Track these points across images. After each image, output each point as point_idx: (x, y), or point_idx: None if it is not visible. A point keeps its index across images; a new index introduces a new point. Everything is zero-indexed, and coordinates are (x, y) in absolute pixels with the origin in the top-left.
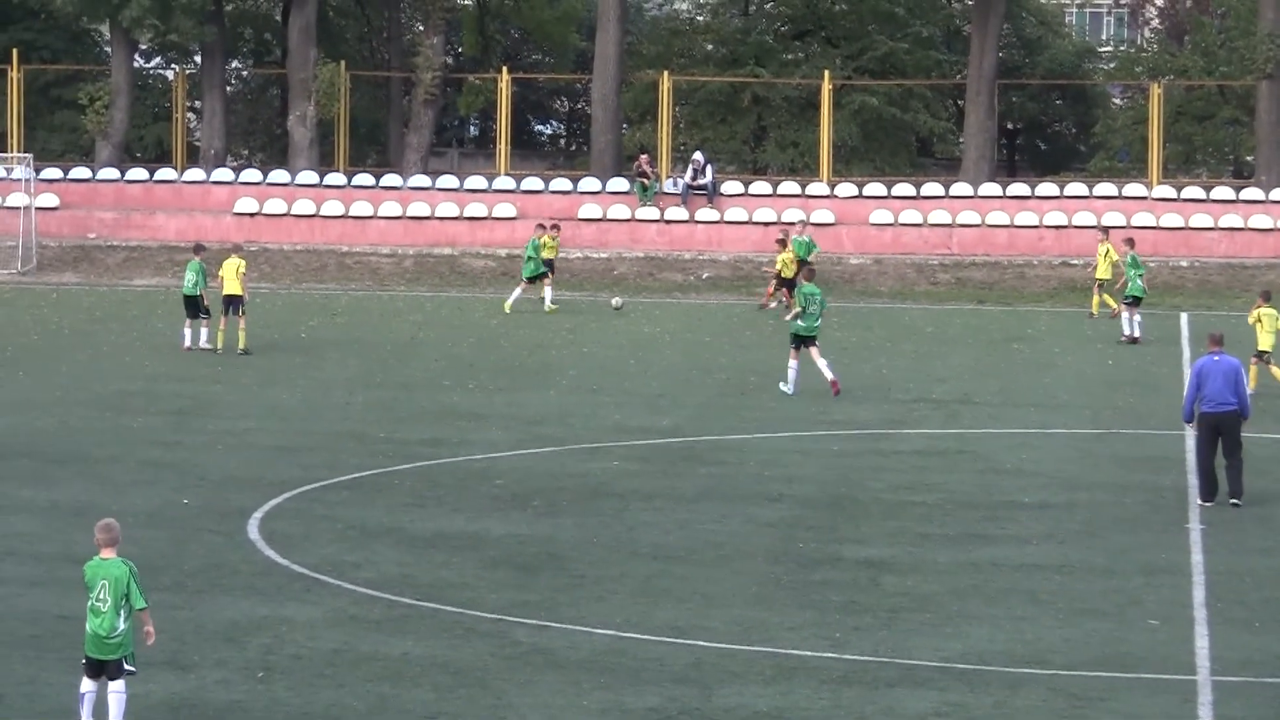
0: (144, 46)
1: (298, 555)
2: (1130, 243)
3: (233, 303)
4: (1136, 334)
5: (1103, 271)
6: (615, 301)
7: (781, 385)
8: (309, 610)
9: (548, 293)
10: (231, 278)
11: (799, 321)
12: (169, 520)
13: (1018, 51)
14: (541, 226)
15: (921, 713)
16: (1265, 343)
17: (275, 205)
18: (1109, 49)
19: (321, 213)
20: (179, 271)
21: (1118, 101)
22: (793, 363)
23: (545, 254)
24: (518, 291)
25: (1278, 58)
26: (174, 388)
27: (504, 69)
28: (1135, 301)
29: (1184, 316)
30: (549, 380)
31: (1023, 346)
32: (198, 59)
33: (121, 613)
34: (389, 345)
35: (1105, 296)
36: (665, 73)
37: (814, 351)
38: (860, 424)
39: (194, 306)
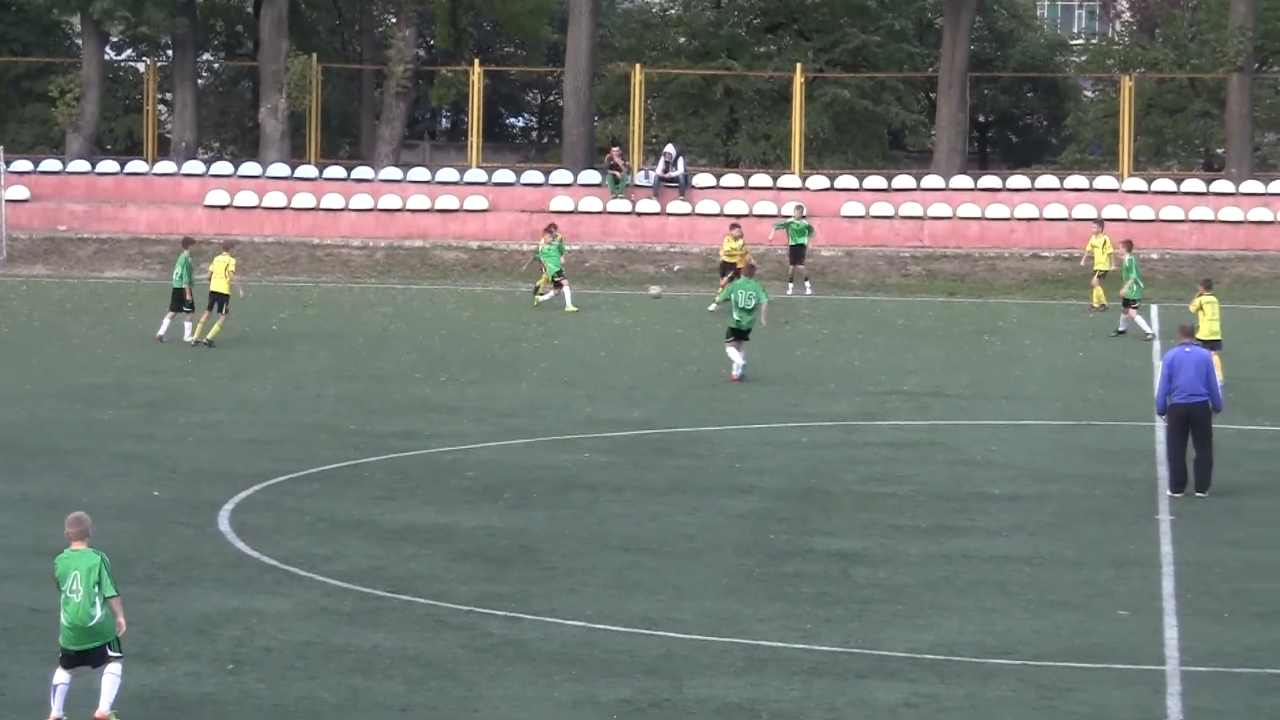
0: (115, 39)
1: (268, 547)
2: (1129, 245)
3: (217, 299)
4: (1122, 328)
5: (1101, 263)
6: (653, 290)
7: (734, 375)
8: (280, 602)
9: (550, 295)
10: (220, 275)
11: (734, 315)
12: (140, 513)
13: (989, 44)
14: (549, 231)
15: (892, 704)
16: (1207, 331)
17: (246, 197)
18: (1080, 42)
19: (293, 205)
20: (150, 264)
21: (1089, 94)
22: (731, 349)
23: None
24: (566, 290)
25: (1248, 50)
26: (145, 380)
27: (476, 62)
28: (1129, 303)
29: (1154, 309)
30: (520, 372)
31: (994, 339)
32: (169, 51)
33: (97, 601)
34: (360, 337)
35: (1101, 291)
36: (637, 65)
37: (743, 346)
38: (832, 416)
39: (178, 299)
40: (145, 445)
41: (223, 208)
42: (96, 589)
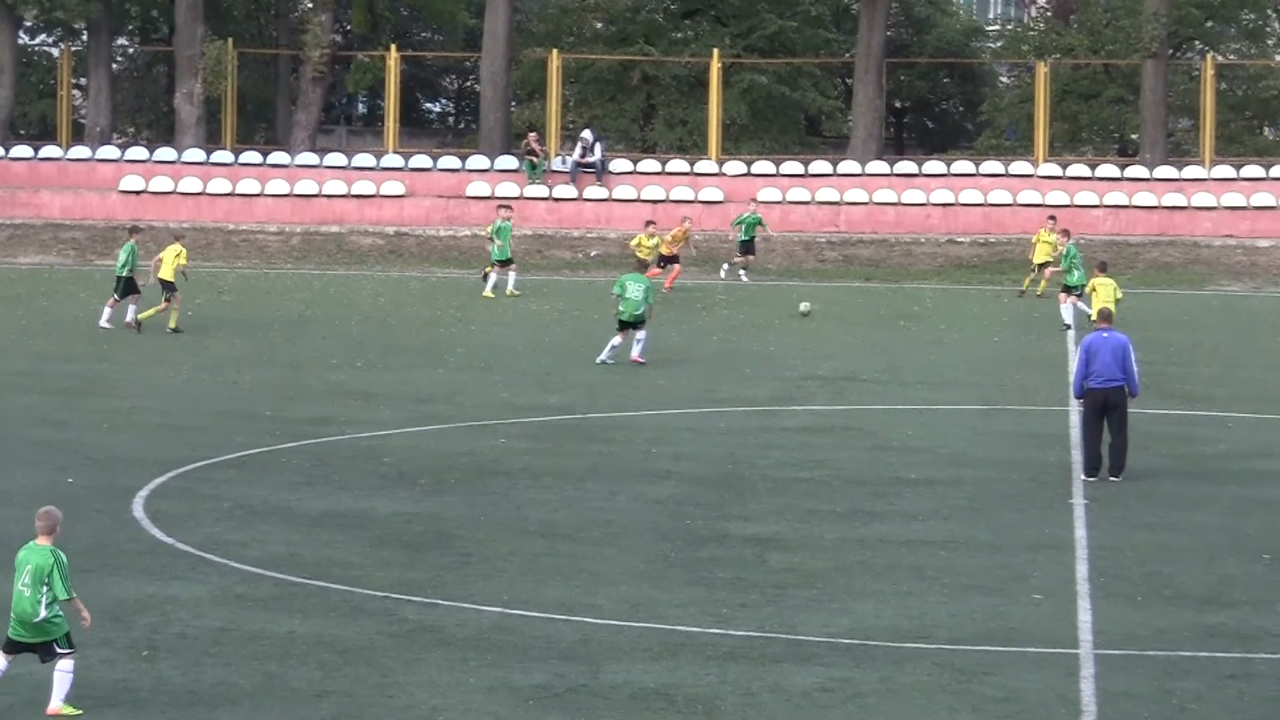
0: (29, 23)
1: (183, 534)
2: (1067, 233)
3: (165, 287)
4: (1069, 321)
5: (1042, 255)
6: (803, 306)
7: (599, 358)
8: (195, 589)
9: (510, 278)
10: (169, 263)
11: (620, 307)
12: (54, 500)
13: (906, 30)
14: (507, 208)
15: (807, 688)
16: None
17: (161, 183)
18: (996, 28)
19: (208, 190)
20: (64, 249)
21: (1005, 80)
22: (617, 339)
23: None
24: (496, 276)
25: (1162, 36)
26: (60, 367)
27: (393, 47)
28: (1070, 289)
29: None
30: (437, 358)
31: (910, 324)
32: (84, 36)
33: (42, 600)
34: (276, 324)
35: (1043, 278)
36: (554, 51)
37: (637, 333)
38: (748, 401)
39: (124, 286)
40: (60, 432)
41: (138, 193)
42: (45, 589)
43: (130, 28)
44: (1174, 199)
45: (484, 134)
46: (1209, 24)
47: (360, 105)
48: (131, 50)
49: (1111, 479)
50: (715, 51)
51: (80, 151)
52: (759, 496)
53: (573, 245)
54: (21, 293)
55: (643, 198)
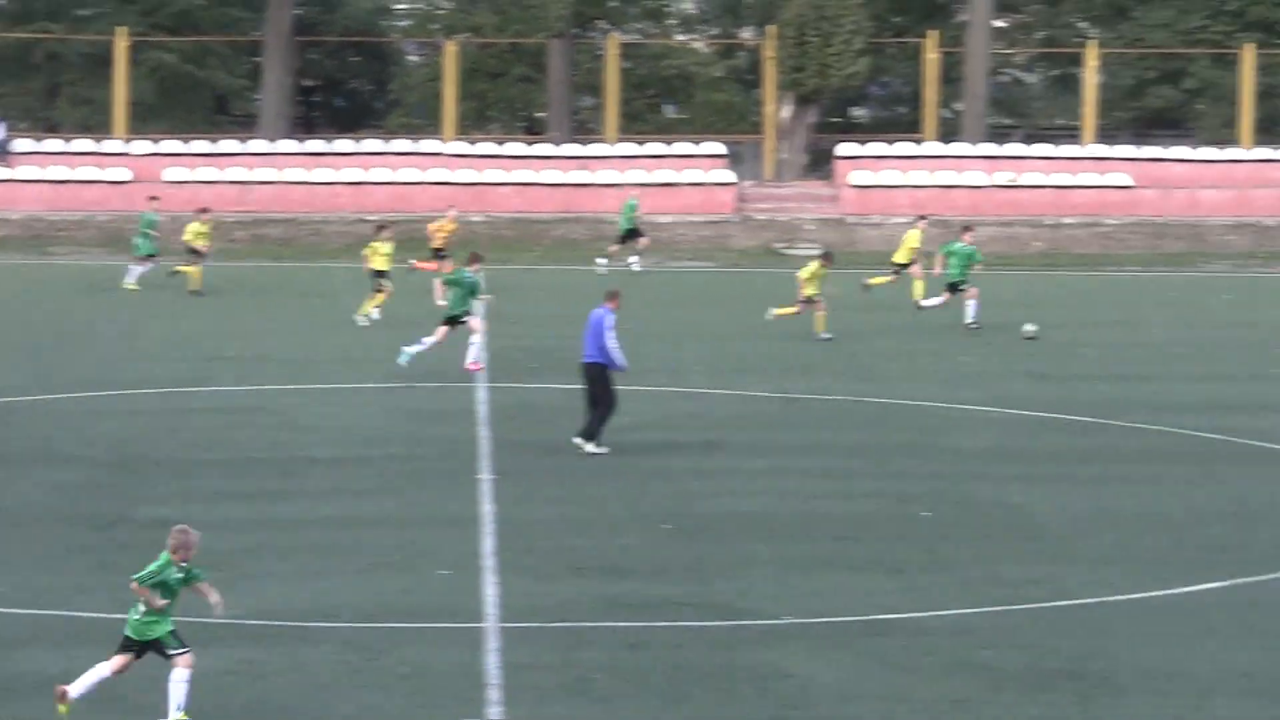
0: None
1: None
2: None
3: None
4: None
5: (901, 256)
6: (1028, 328)
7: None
8: None
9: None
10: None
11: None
12: None
13: (316, 8)
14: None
15: (214, 671)
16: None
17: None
18: (405, 7)
19: None
20: None
21: (414, 58)
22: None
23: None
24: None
25: (568, 15)
26: None
27: None
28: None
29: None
30: None
31: (322, 303)
32: None
33: None
34: None
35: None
36: None
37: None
38: (153, 383)
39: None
40: None
41: None
42: None
43: None
44: (579, 176)
45: None
46: (613, 3)
47: None
48: None
49: (574, 441)
50: (122, 29)
51: None
52: (165, 479)
53: None
54: None
55: (47, 178)
